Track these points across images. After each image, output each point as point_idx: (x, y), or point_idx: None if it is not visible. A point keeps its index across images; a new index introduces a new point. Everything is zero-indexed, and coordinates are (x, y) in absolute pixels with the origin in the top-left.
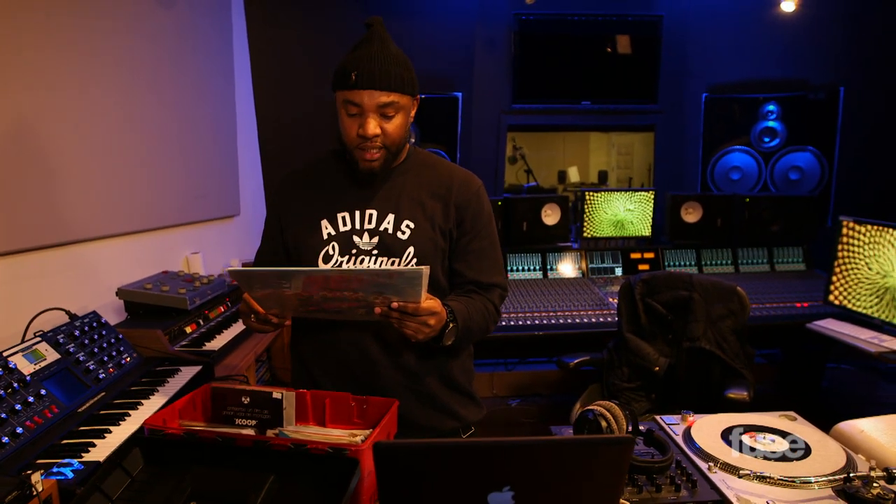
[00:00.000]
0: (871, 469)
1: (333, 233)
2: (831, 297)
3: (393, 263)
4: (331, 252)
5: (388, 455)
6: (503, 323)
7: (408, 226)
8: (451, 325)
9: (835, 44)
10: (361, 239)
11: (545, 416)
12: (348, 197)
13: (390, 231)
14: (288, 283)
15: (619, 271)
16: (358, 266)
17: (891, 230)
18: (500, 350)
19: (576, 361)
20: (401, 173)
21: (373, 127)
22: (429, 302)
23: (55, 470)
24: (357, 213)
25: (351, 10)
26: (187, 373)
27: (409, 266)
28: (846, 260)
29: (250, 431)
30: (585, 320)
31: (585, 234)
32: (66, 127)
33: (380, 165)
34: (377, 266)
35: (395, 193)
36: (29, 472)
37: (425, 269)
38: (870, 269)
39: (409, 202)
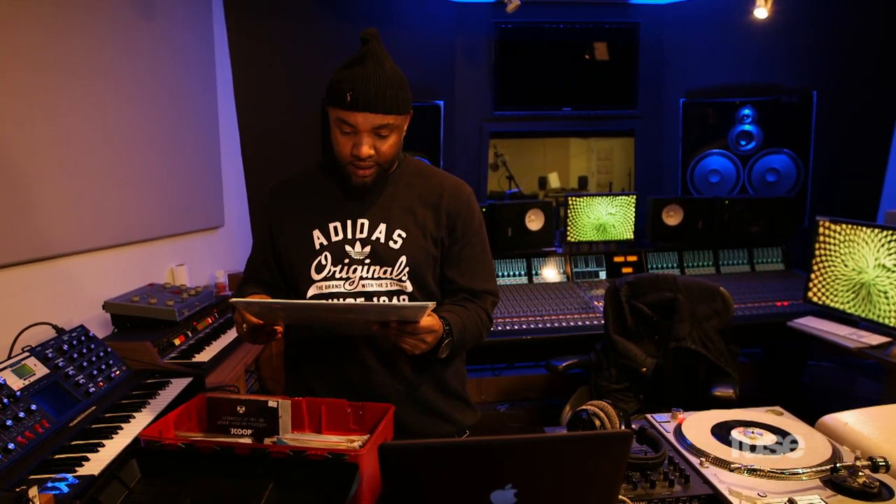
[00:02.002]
0: (857, 459)
1: (325, 243)
2: (810, 295)
3: (385, 272)
4: (323, 262)
5: (394, 456)
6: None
7: (399, 235)
8: (447, 339)
9: (807, 49)
10: (353, 248)
11: (534, 419)
12: (339, 206)
13: (382, 240)
14: (293, 312)
15: (602, 275)
16: (351, 276)
17: (864, 228)
18: (487, 355)
19: (565, 364)
20: (392, 182)
21: (367, 148)
22: (428, 320)
23: (50, 485)
24: (349, 223)
25: (331, 21)
26: (178, 385)
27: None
28: (824, 258)
29: (247, 440)
30: (571, 324)
31: (569, 239)
32: (47, 141)
33: (372, 180)
34: (369, 274)
35: (386, 202)
36: (24, 487)
37: (431, 305)
38: (846, 266)
39: (400, 211)
